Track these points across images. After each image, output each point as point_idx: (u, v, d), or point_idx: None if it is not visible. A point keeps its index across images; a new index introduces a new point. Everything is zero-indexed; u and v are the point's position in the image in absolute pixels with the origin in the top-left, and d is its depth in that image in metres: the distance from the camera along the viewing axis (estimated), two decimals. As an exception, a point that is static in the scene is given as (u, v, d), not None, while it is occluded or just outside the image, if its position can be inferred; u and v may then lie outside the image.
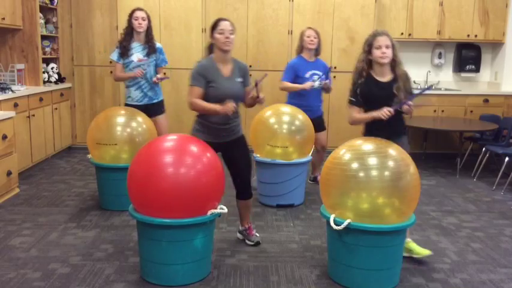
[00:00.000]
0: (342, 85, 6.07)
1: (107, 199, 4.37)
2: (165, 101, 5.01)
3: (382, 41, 3.15)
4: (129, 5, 6.42)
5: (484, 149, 5.69)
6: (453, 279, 3.21)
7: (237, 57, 7.17)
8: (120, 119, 4.30)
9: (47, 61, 6.43)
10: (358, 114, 3.27)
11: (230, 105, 3.16)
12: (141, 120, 4.37)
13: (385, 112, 3.07)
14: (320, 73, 4.75)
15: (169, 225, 2.88)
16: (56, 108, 6.18)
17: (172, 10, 6.51)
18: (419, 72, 7.25)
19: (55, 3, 6.46)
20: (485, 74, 7.30)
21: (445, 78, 7.33)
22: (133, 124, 4.31)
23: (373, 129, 3.22)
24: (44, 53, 6.23)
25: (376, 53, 3.16)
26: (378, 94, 3.17)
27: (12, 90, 5.24)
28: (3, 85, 5.23)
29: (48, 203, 4.53)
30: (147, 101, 4.70)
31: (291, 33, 6.53)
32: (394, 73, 3.21)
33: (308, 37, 4.75)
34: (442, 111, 6.74)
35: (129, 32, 4.57)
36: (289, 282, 3.11)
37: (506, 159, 5.27)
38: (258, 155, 4.55)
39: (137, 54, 4.59)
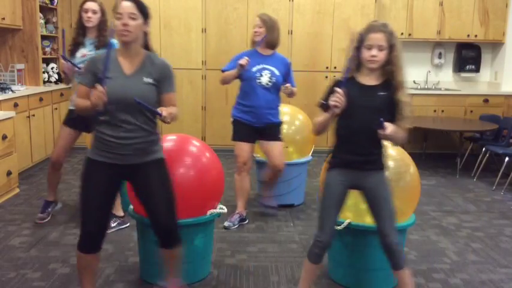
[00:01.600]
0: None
1: (107, 199, 4.35)
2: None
3: (375, 39, 2.45)
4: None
5: (484, 149, 5.69)
6: (453, 279, 3.21)
7: (237, 57, 7.01)
8: (120, 119, 4.29)
9: (47, 61, 6.42)
10: (318, 117, 2.59)
11: (97, 91, 2.31)
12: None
13: (334, 99, 2.43)
14: (274, 69, 3.88)
15: (169, 225, 2.88)
16: (56, 108, 6.18)
17: (172, 10, 6.50)
18: (419, 72, 7.26)
19: (55, 3, 6.46)
20: (485, 74, 7.30)
21: (445, 78, 7.33)
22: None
23: (339, 150, 2.61)
24: (44, 53, 6.22)
25: (365, 54, 2.48)
26: (358, 99, 2.49)
27: (12, 90, 5.24)
28: (3, 85, 5.24)
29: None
30: None
31: (291, 33, 6.53)
32: (389, 79, 2.52)
33: (253, 27, 3.89)
34: (442, 111, 6.74)
35: (80, 26, 3.84)
36: (289, 282, 3.11)
37: (506, 159, 5.27)
38: (258, 155, 4.55)
39: (82, 49, 3.82)
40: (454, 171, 5.92)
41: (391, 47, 2.47)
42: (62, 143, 3.91)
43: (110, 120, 2.44)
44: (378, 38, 2.45)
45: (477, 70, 7.15)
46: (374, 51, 2.46)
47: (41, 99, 5.73)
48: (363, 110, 2.49)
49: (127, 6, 2.42)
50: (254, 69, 3.86)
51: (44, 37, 6.24)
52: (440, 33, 6.84)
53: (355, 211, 2.90)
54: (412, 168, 2.97)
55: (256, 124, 3.94)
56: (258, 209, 4.49)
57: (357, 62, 2.54)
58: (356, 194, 2.88)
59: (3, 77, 5.74)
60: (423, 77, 7.27)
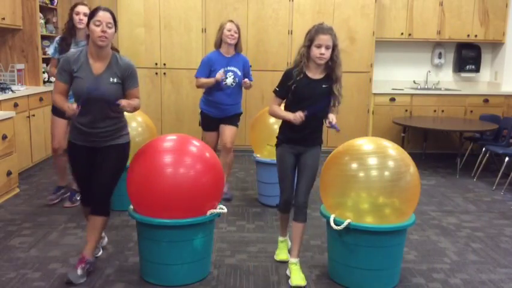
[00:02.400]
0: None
1: (107, 199, 4.36)
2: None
3: (324, 40, 2.95)
4: (128, 5, 6.44)
5: (484, 149, 5.69)
6: (453, 279, 3.21)
7: (237, 57, 6.97)
8: (120, 119, 4.30)
9: (47, 61, 6.41)
10: (278, 107, 3.17)
11: (71, 110, 2.84)
12: (141, 120, 4.37)
13: (297, 117, 2.98)
14: (236, 70, 4.41)
15: (169, 225, 2.88)
16: (56, 108, 6.18)
17: (172, 10, 6.50)
18: (419, 72, 7.26)
19: (55, 3, 6.47)
20: (485, 74, 7.30)
21: (445, 78, 7.33)
22: (133, 124, 4.30)
23: (287, 128, 3.13)
24: (44, 53, 6.22)
25: (315, 52, 2.98)
26: (306, 90, 3.04)
27: (12, 90, 5.24)
28: (3, 85, 5.24)
29: (48, 203, 4.52)
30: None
31: (291, 33, 6.53)
32: (330, 73, 3.07)
33: (229, 31, 4.38)
34: (442, 111, 6.74)
35: (71, 26, 4.23)
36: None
37: (506, 159, 5.27)
38: (258, 155, 4.55)
39: (74, 50, 4.27)
40: (454, 171, 5.92)
41: (333, 47, 3.00)
42: (59, 131, 4.31)
43: (82, 113, 2.88)
44: (326, 38, 2.96)
45: (477, 70, 7.15)
46: (323, 50, 2.96)
47: (41, 99, 5.73)
48: (310, 99, 3.04)
49: (106, 16, 2.89)
50: (221, 70, 4.38)
51: (44, 37, 6.24)
52: (440, 33, 6.84)
53: (355, 211, 2.90)
54: (412, 168, 2.97)
55: (219, 116, 4.50)
56: (258, 209, 4.49)
57: (307, 57, 3.03)
58: (356, 195, 2.89)
59: (3, 77, 5.74)
60: (423, 77, 7.26)
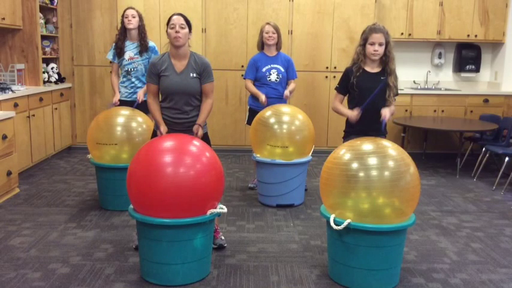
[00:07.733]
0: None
1: (107, 199, 4.37)
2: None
3: (377, 38, 3.36)
4: (128, 5, 6.43)
5: (484, 149, 5.69)
6: (453, 279, 3.21)
7: (237, 57, 7.12)
8: (120, 119, 4.30)
9: (47, 61, 6.43)
10: (339, 103, 3.61)
11: (160, 133, 3.31)
12: (141, 120, 4.37)
13: (353, 116, 3.42)
14: (279, 67, 4.81)
15: (169, 225, 2.88)
16: (56, 108, 6.18)
17: (172, 10, 6.48)
18: (419, 72, 7.26)
19: (55, 3, 6.46)
20: (485, 74, 7.31)
21: (445, 78, 7.33)
22: (133, 124, 4.31)
23: (353, 123, 3.48)
24: (44, 53, 6.23)
25: (369, 49, 3.40)
26: (365, 83, 3.43)
27: (12, 90, 5.24)
28: (3, 85, 5.24)
29: (48, 203, 4.53)
30: (135, 97, 4.74)
31: (291, 33, 6.53)
32: (385, 67, 3.45)
33: (267, 33, 4.78)
34: (442, 111, 6.74)
35: (122, 31, 4.74)
36: (289, 282, 3.11)
37: (506, 159, 5.27)
38: (258, 155, 4.55)
39: (129, 52, 4.73)
40: (454, 171, 5.92)
41: (386, 43, 3.39)
42: None
43: (168, 107, 3.36)
44: (378, 37, 3.35)
45: (477, 70, 7.15)
46: (376, 47, 3.37)
47: (41, 99, 5.73)
48: (371, 89, 3.39)
49: (178, 18, 3.33)
50: (264, 69, 4.79)
51: (44, 37, 6.24)
52: (440, 33, 6.84)
53: (355, 211, 2.90)
54: (412, 168, 2.97)
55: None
56: (258, 209, 4.49)
57: (363, 54, 3.43)
58: (356, 195, 2.89)
59: (3, 77, 5.74)
60: (423, 77, 7.27)
